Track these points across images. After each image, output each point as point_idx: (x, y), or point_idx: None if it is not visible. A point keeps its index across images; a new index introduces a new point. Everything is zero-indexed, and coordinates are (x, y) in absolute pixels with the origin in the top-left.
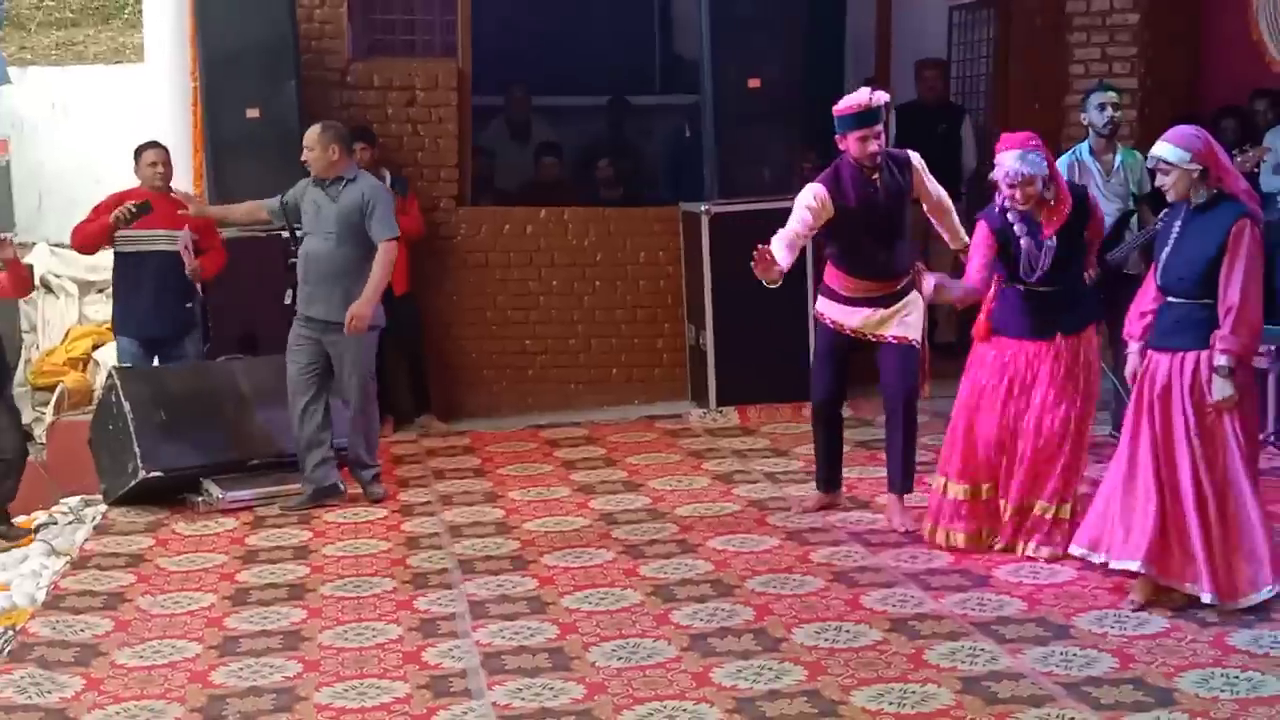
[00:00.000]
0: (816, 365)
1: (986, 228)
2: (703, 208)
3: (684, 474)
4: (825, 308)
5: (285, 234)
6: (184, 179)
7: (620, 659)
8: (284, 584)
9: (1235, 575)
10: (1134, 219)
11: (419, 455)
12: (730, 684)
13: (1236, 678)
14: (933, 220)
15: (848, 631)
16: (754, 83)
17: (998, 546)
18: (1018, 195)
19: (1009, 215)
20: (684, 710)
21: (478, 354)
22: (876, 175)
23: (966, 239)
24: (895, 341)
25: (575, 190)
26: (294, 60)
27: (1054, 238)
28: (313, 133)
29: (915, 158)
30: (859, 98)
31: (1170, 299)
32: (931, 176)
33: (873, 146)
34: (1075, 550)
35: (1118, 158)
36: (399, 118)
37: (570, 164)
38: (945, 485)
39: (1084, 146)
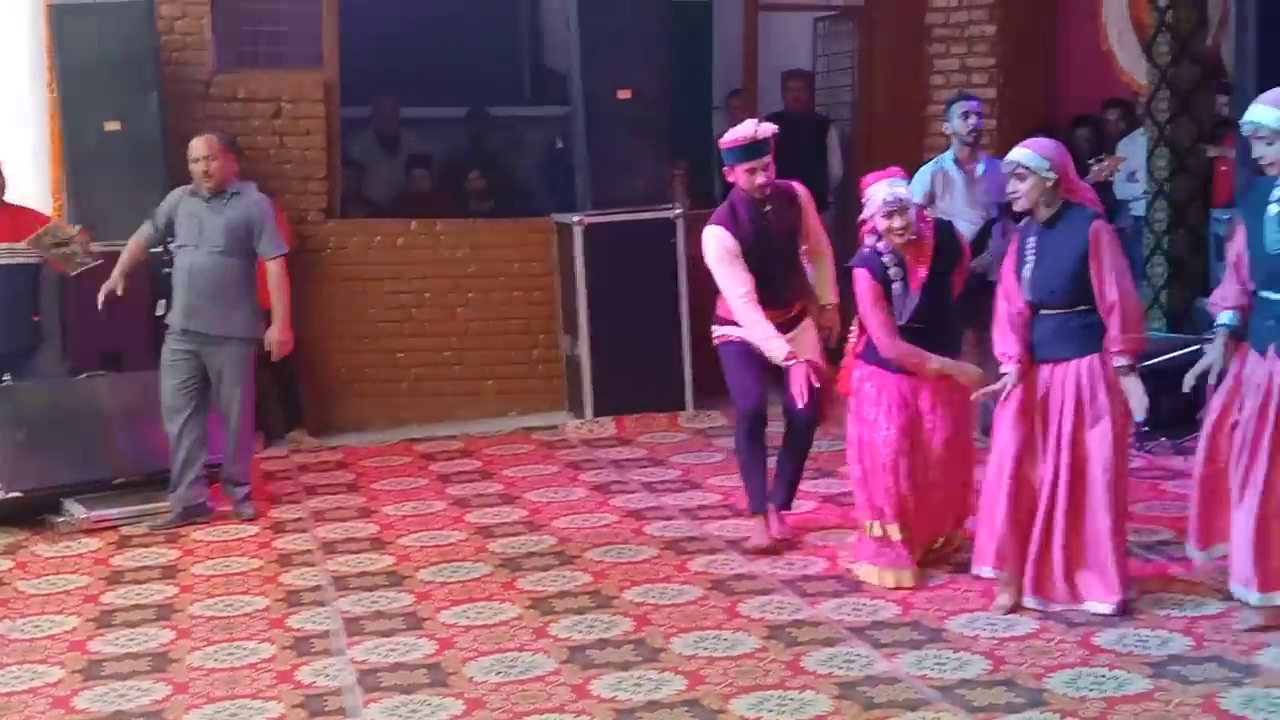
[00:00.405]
0: (737, 375)
1: (870, 277)
2: (575, 218)
3: (561, 485)
4: (726, 330)
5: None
6: (42, 193)
7: (499, 673)
8: (151, 604)
9: (1078, 580)
10: (996, 227)
11: (290, 471)
12: (610, 695)
13: (1103, 676)
14: (805, 262)
15: (726, 640)
16: (624, 93)
17: None
18: (895, 224)
19: (884, 259)
20: None
21: (349, 368)
22: (768, 207)
23: (834, 296)
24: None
25: (447, 202)
26: (155, 72)
27: (925, 280)
28: (210, 142)
29: (802, 191)
30: (745, 130)
31: (1044, 311)
32: (816, 214)
33: (761, 178)
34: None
35: (980, 166)
36: (265, 130)
37: (441, 176)
38: (883, 528)
39: (947, 156)
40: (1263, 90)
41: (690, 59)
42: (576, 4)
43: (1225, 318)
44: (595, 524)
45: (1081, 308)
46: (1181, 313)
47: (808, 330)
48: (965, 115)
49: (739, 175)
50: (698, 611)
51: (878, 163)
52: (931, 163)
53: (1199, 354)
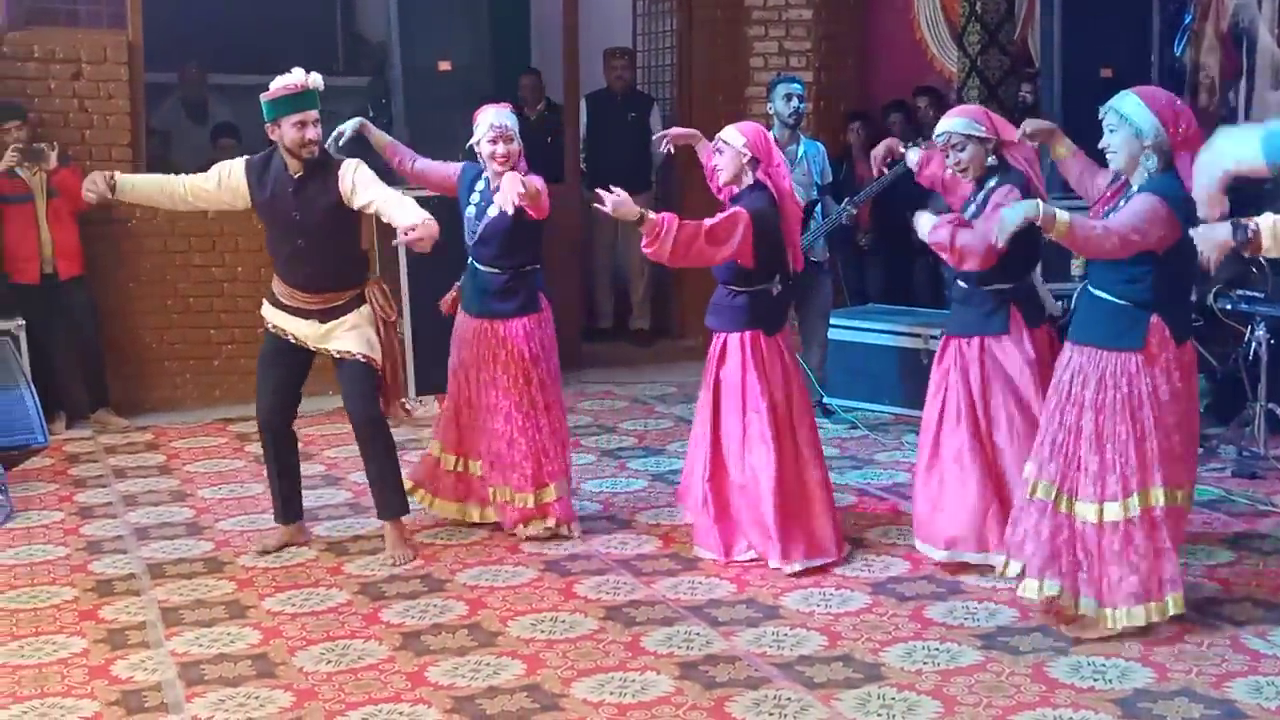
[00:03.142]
0: (258, 374)
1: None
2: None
3: None
4: (266, 311)
5: None
6: None
7: (329, 663)
8: None
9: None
10: (818, 208)
11: (96, 453)
12: (447, 682)
13: (937, 649)
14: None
15: (564, 622)
16: (444, 65)
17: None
18: (499, 149)
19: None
20: (400, 713)
21: (158, 344)
22: (300, 173)
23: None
24: (340, 358)
25: None
26: None
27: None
28: None
29: (348, 165)
30: (295, 78)
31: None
32: (373, 184)
33: (311, 133)
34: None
35: (801, 148)
36: (64, 92)
37: (251, 145)
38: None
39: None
40: (1067, 78)
41: (507, 35)
42: None
43: None
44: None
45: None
46: None
47: (360, 322)
48: (788, 97)
49: (286, 129)
50: (533, 593)
51: None
52: None
53: None
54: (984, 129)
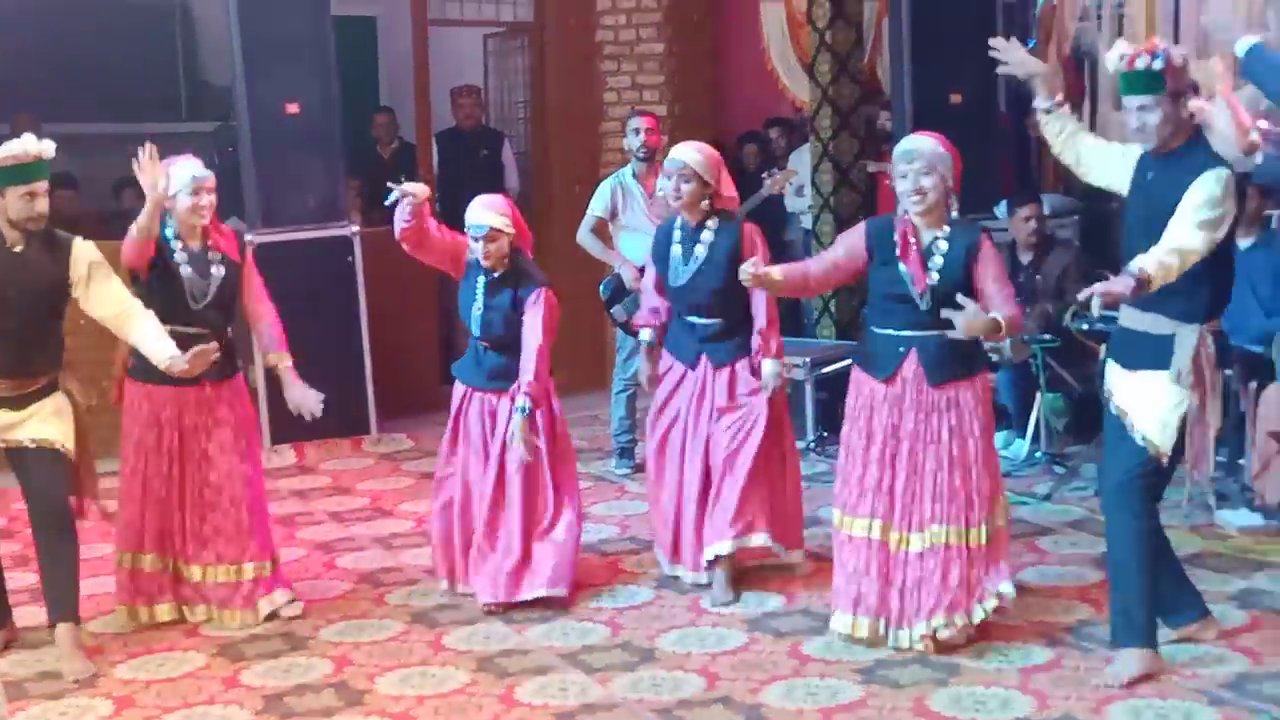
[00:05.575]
0: None
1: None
2: (247, 238)
3: None
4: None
5: None
6: None
7: None
8: None
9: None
10: None
11: None
12: None
13: (817, 687)
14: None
15: (434, 676)
16: (292, 107)
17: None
18: (202, 201)
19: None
20: None
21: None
22: (21, 246)
23: (283, 355)
24: (34, 446)
25: (99, 223)
26: None
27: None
28: None
29: (83, 249)
30: (25, 146)
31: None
32: (119, 293)
33: (40, 205)
34: None
35: (659, 182)
36: None
37: (90, 195)
38: (133, 558)
39: (627, 171)
40: (919, 105)
41: (356, 75)
42: (237, 15)
43: (646, 335)
44: (282, 559)
45: None
46: (849, 321)
47: (58, 412)
48: (637, 131)
49: (11, 200)
50: (400, 647)
51: (555, 177)
52: (611, 177)
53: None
54: (712, 176)
